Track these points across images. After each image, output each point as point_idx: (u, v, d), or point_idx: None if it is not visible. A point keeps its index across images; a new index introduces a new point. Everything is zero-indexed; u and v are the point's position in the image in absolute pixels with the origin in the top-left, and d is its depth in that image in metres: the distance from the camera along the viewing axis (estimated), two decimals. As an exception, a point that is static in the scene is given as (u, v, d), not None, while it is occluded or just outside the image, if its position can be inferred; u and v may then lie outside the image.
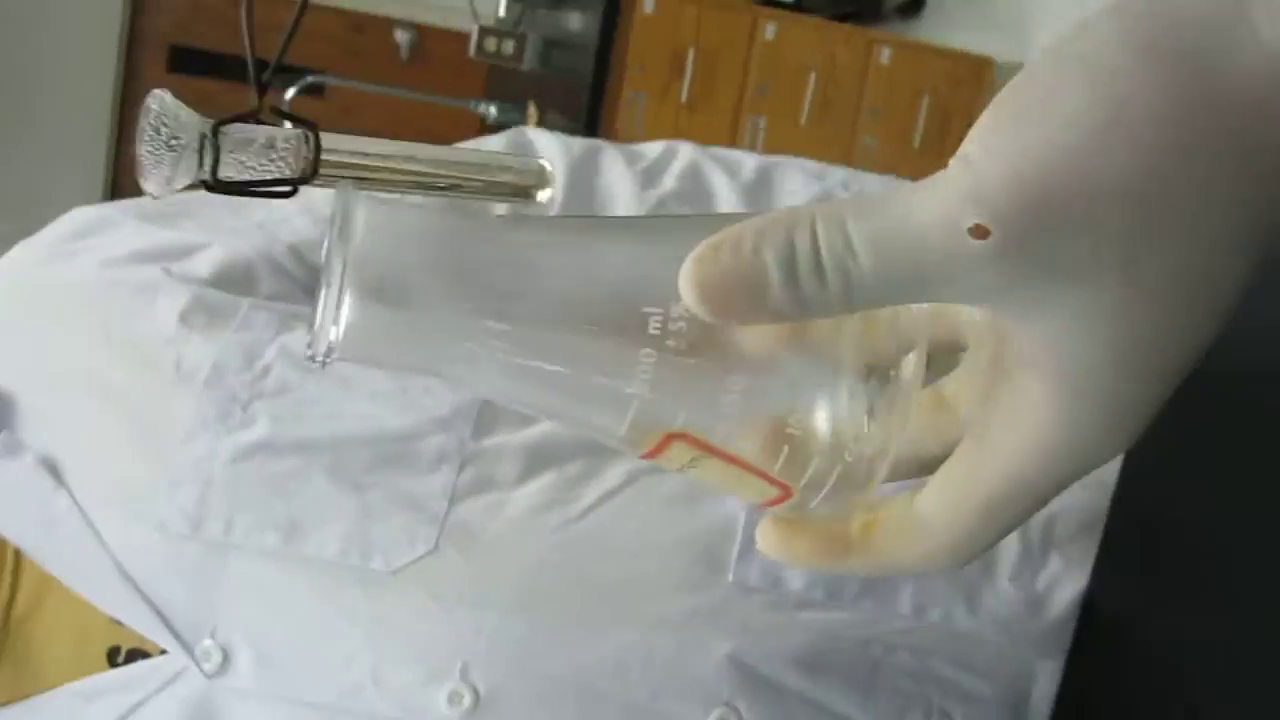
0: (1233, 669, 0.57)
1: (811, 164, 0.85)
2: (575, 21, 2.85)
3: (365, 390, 0.67)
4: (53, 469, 0.67)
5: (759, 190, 0.82)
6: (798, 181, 0.82)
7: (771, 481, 0.30)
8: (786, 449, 0.29)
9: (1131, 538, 0.66)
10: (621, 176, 0.82)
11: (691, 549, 0.65)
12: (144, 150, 0.34)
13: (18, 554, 0.71)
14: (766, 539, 0.33)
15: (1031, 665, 0.67)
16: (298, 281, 0.76)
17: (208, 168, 0.35)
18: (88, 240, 0.74)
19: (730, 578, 0.65)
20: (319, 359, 0.29)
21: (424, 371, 0.30)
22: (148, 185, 0.34)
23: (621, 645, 0.63)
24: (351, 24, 3.88)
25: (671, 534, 0.66)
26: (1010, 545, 0.67)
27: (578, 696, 0.62)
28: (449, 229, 0.29)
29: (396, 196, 0.36)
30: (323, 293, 0.28)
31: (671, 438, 0.29)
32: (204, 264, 0.73)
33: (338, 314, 0.28)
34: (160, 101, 0.34)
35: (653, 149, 0.86)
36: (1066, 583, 0.67)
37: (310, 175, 0.36)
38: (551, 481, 0.66)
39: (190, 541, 0.64)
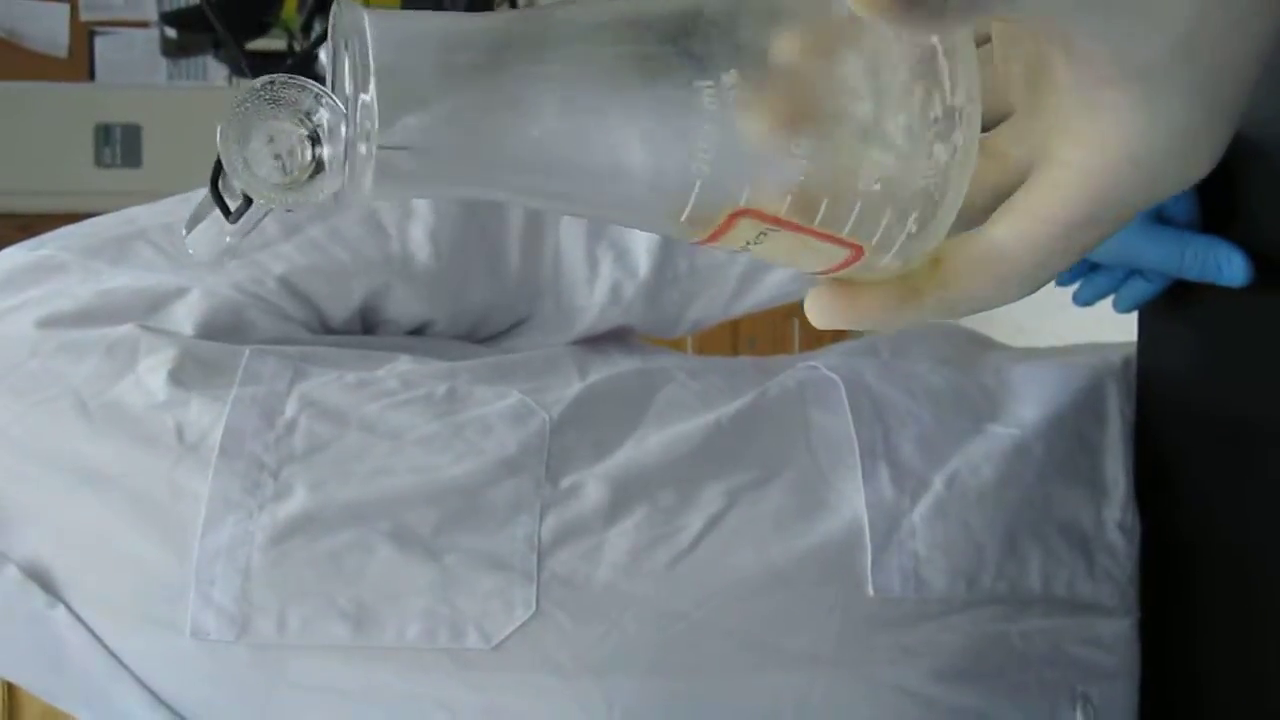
0: None
1: None
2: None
3: (414, 437, 0.57)
4: (44, 580, 0.55)
5: None
6: None
7: (842, 243, 0.29)
8: (859, 204, 0.28)
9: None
10: None
11: (820, 565, 0.57)
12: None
13: (9, 689, 0.58)
14: (823, 303, 0.31)
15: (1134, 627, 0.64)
16: (296, 321, 0.64)
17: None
18: (27, 292, 0.60)
19: (871, 590, 0.56)
20: (353, 200, 0.26)
21: (467, 188, 0.28)
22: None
23: (773, 691, 0.55)
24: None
25: (794, 553, 0.57)
26: (1119, 496, 0.63)
27: None
28: (460, 20, 0.27)
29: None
30: (344, 127, 0.25)
31: (737, 215, 0.28)
32: (184, 317, 0.61)
33: (368, 141, 0.25)
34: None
35: None
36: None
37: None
38: (646, 515, 0.57)
39: (236, 647, 0.53)
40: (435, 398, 0.59)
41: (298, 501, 0.54)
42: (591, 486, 0.57)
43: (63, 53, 3.24)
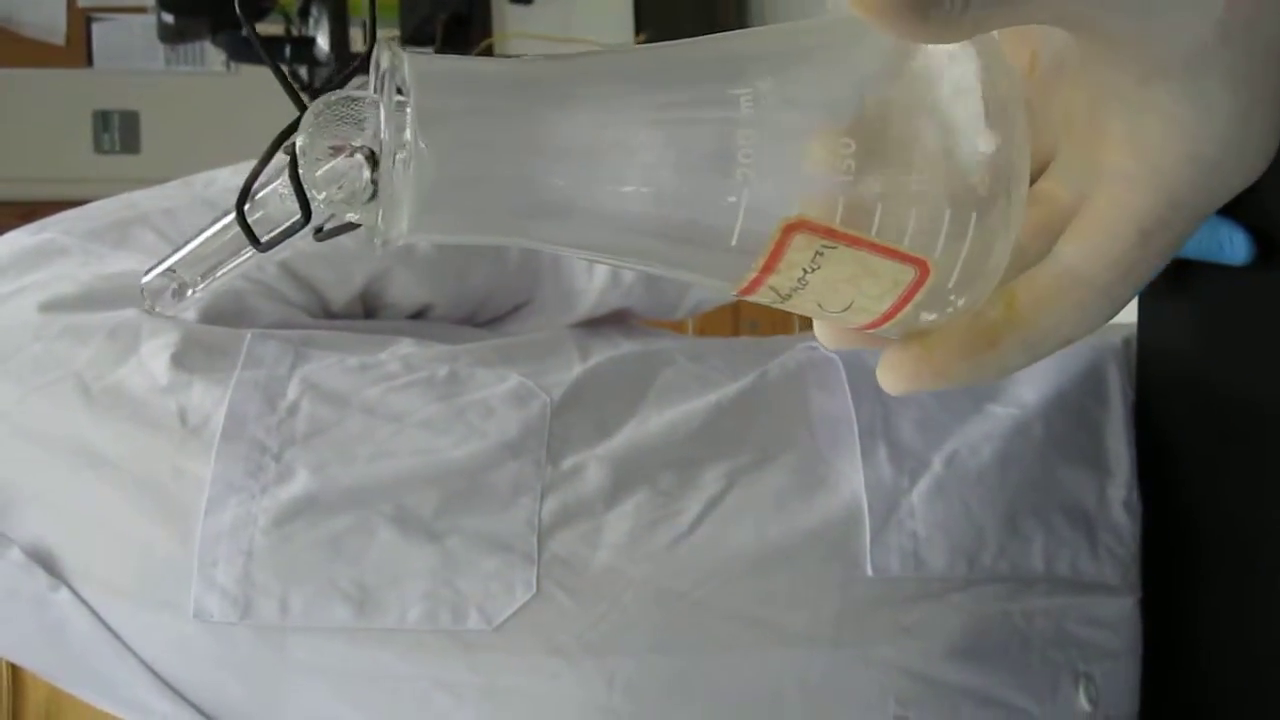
0: None
1: None
2: None
3: (416, 420, 0.57)
4: (47, 562, 0.55)
5: None
6: None
7: (906, 259, 0.27)
8: (915, 210, 0.27)
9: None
10: None
11: (820, 545, 0.57)
12: None
13: (14, 671, 0.58)
14: (896, 364, 0.30)
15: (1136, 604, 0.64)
16: (297, 305, 0.64)
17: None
18: (29, 276, 0.60)
19: (870, 570, 0.56)
20: (392, 240, 0.26)
21: (501, 230, 0.27)
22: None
23: (773, 670, 0.55)
24: None
25: (794, 533, 0.57)
26: (1123, 475, 0.63)
27: None
28: (499, 63, 0.27)
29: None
30: (386, 163, 0.25)
31: (791, 230, 0.27)
32: (186, 302, 0.61)
33: (406, 177, 0.25)
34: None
35: None
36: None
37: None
38: (647, 498, 0.57)
39: (239, 628, 0.53)
40: (437, 380, 0.59)
41: (300, 484, 0.54)
42: (592, 469, 0.57)
43: (60, 39, 3.23)
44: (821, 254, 0.27)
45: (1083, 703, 0.60)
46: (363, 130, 0.27)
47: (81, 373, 0.57)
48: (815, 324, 0.32)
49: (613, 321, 0.71)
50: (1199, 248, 0.59)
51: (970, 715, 0.58)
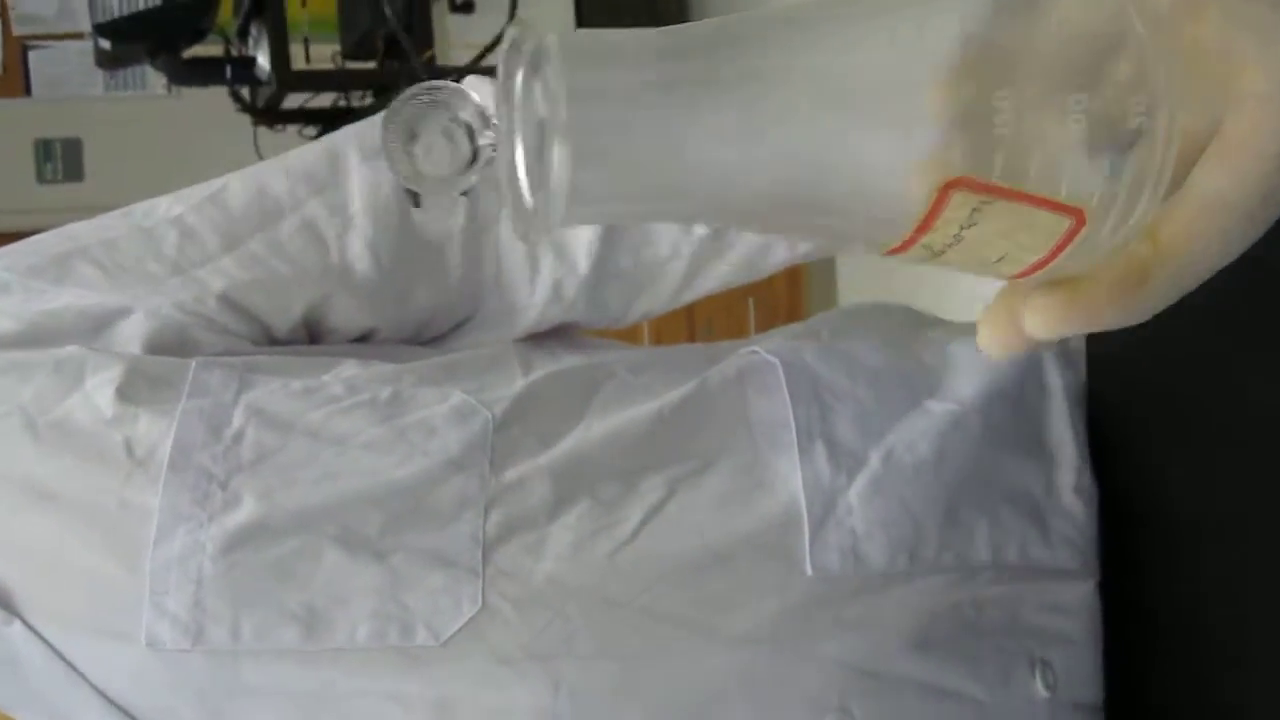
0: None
1: None
2: None
3: (359, 442, 0.57)
4: None
5: None
6: None
7: (1061, 209, 0.28)
8: (1070, 161, 0.27)
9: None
10: None
11: (758, 548, 0.58)
12: None
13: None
14: (1045, 308, 0.30)
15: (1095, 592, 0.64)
16: (240, 335, 0.65)
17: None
18: None
19: (809, 570, 0.57)
20: (549, 229, 0.27)
21: (658, 206, 0.29)
22: None
23: (716, 671, 0.56)
24: None
25: (732, 536, 0.58)
26: (1068, 447, 0.64)
27: None
28: (643, 35, 0.27)
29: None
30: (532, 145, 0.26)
31: (950, 188, 0.27)
32: (130, 338, 0.61)
33: (555, 165, 0.26)
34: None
35: None
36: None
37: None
38: (588, 508, 0.58)
39: (191, 655, 0.54)
40: (379, 402, 0.59)
41: (246, 511, 0.55)
42: (535, 481, 0.58)
43: (-4, 68, 3.19)
44: (979, 210, 0.28)
45: (1039, 689, 0.60)
46: (455, 110, 0.29)
47: (27, 408, 0.57)
48: (980, 330, 0.32)
49: (557, 335, 0.72)
50: None
51: (917, 707, 0.59)
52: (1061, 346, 0.69)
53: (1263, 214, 0.29)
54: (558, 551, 0.56)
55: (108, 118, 3.19)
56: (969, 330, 0.75)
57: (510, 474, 0.58)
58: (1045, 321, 0.30)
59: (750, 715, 0.56)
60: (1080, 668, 0.62)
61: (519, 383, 0.62)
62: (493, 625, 0.55)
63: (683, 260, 0.69)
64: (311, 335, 0.68)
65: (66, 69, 3.19)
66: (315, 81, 2.21)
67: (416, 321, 0.70)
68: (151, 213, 0.66)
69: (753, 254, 0.68)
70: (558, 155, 0.26)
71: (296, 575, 0.54)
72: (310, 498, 0.55)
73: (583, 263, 0.68)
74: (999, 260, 0.29)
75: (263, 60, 2.09)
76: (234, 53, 2.18)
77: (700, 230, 0.67)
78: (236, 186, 0.66)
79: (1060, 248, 0.29)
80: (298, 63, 2.14)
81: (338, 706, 0.55)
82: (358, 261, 0.65)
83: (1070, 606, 0.62)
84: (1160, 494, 0.64)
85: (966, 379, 0.65)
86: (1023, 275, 0.30)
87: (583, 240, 0.68)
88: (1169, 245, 0.29)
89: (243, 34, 2.19)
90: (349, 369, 0.62)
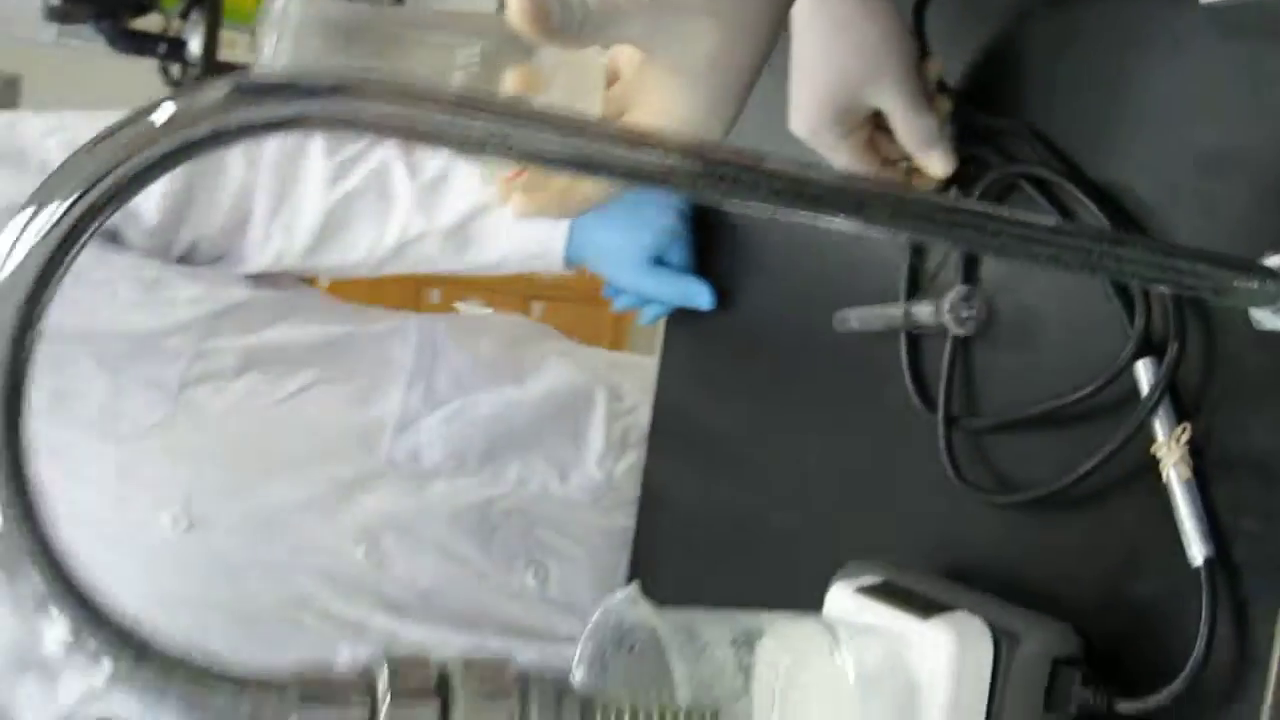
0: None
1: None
2: None
3: (126, 298, 0.84)
4: None
5: (434, 189, 0.92)
6: (472, 182, 0.93)
7: None
8: None
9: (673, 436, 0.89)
10: (319, 163, 0.92)
11: (356, 433, 0.87)
12: None
13: None
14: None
15: (617, 535, 0.91)
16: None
17: None
18: None
19: (383, 458, 0.87)
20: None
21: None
22: None
23: (301, 493, 0.84)
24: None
25: (345, 421, 0.87)
26: (598, 439, 0.92)
27: (266, 525, 0.83)
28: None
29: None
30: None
31: None
32: None
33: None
34: None
35: (358, 145, 0.93)
36: (637, 471, 0.92)
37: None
38: (260, 377, 0.86)
39: None
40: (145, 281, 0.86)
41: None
42: (230, 351, 0.86)
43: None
44: None
45: (530, 581, 0.88)
46: None
47: None
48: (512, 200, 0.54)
49: (285, 278, 0.98)
50: (682, 299, 0.88)
51: (434, 558, 0.86)
52: (609, 380, 0.98)
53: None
54: (231, 399, 0.85)
55: (53, 61, 3.37)
56: (564, 350, 1.03)
57: (214, 342, 0.85)
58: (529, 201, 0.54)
59: (315, 525, 0.84)
60: (575, 578, 0.89)
61: (241, 295, 0.90)
62: (171, 432, 0.83)
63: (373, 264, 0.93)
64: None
65: (22, 9, 3.36)
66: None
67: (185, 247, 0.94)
68: (12, 126, 0.89)
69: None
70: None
71: (58, 368, 0.79)
72: (85, 323, 0.82)
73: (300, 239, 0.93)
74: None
75: (194, 45, 2.30)
76: (169, 32, 2.38)
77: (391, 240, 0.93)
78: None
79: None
80: (228, 51, 2.35)
81: (69, 457, 0.81)
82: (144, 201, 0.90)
83: (579, 535, 0.90)
84: (707, 471, 0.90)
85: (542, 381, 0.95)
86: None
87: (305, 220, 0.93)
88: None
89: (184, 16, 2.40)
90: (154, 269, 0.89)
